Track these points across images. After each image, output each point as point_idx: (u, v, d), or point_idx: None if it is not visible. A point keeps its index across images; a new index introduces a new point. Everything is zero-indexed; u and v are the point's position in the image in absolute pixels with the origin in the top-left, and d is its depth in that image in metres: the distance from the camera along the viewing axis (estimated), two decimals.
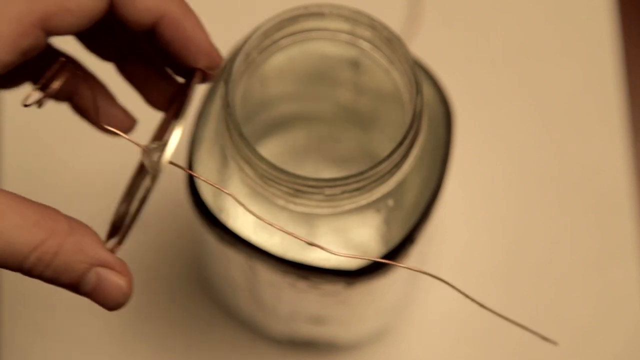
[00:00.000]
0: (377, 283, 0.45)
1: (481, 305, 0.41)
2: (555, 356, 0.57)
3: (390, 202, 0.43)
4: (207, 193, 0.44)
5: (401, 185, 0.41)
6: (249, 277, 0.48)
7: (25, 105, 0.36)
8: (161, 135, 0.41)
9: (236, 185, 0.43)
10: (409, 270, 0.49)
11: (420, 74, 0.41)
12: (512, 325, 0.58)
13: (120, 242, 0.36)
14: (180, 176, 0.50)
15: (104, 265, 0.35)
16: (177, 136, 0.36)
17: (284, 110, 0.50)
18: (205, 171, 0.45)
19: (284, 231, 0.38)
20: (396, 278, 0.47)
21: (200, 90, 0.45)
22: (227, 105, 0.40)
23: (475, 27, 0.64)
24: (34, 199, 0.35)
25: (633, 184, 0.60)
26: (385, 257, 0.43)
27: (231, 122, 0.40)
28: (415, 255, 0.46)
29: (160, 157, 0.35)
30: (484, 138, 0.61)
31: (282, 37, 0.43)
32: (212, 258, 0.51)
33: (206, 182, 0.38)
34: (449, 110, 0.45)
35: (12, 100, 0.60)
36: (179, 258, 0.58)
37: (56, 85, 0.36)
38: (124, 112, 0.43)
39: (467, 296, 0.40)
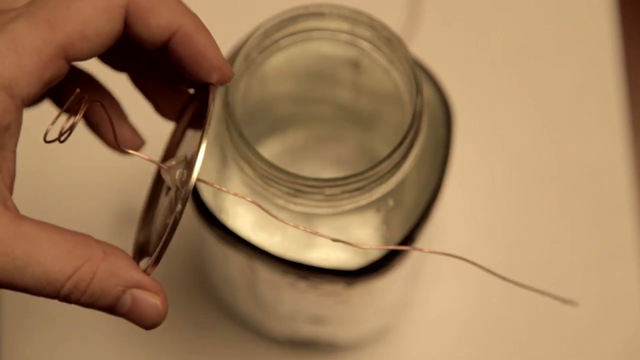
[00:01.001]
0: (377, 283, 0.45)
1: (504, 278, 0.41)
2: (556, 355, 0.57)
3: (390, 202, 0.43)
4: (207, 193, 0.44)
5: (401, 185, 0.41)
6: (249, 277, 0.48)
7: (47, 142, 0.36)
8: (173, 149, 0.41)
9: (236, 185, 0.43)
10: (408, 270, 0.49)
11: (420, 74, 0.41)
12: (512, 325, 0.58)
13: (154, 264, 0.36)
14: None
15: (138, 286, 0.36)
16: (202, 154, 0.36)
17: (284, 110, 0.50)
18: (206, 171, 0.44)
19: (298, 228, 0.38)
20: (396, 278, 0.47)
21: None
22: (227, 105, 0.40)
23: (475, 27, 0.64)
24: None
25: (633, 184, 0.60)
26: (386, 257, 0.43)
27: (231, 122, 0.40)
28: (415, 255, 0.46)
29: (188, 176, 0.36)
30: (484, 138, 0.61)
31: (282, 37, 0.43)
32: (212, 258, 0.51)
33: (235, 194, 0.38)
34: (449, 110, 0.45)
35: None
36: (179, 258, 0.58)
37: (77, 119, 0.36)
38: (134, 131, 0.44)
39: (489, 271, 0.41)
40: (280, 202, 0.41)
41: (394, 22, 0.63)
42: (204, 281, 0.57)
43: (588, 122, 0.62)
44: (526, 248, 0.59)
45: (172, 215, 0.36)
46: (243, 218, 0.44)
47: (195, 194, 0.44)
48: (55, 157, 0.59)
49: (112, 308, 0.36)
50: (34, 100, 0.36)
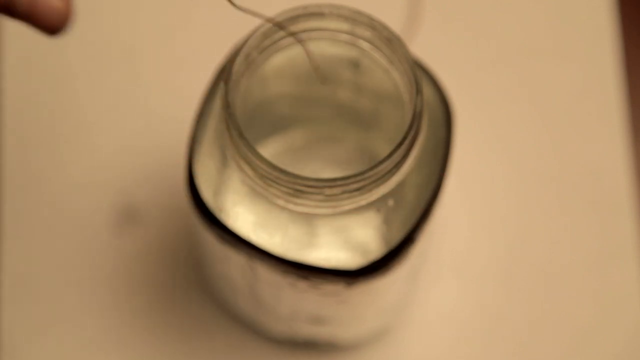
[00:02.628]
0: (377, 283, 0.45)
1: None
2: (556, 355, 0.57)
3: (391, 202, 0.43)
4: (207, 193, 0.44)
5: (401, 185, 0.41)
6: (249, 277, 0.48)
7: None
8: None
9: (236, 185, 0.43)
10: (408, 270, 0.49)
11: (420, 74, 0.41)
12: (512, 325, 0.58)
13: None
14: (180, 175, 0.50)
15: None
16: None
17: (284, 110, 0.50)
18: (205, 171, 0.45)
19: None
20: (396, 278, 0.47)
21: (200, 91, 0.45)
22: (227, 106, 0.40)
23: (475, 27, 0.64)
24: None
25: (633, 184, 0.60)
26: (386, 257, 0.43)
27: (231, 122, 0.40)
28: (415, 255, 0.46)
29: None
30: (484, 138, 0.61)
31: (282, 37, 0.43)
32: (212, 258, 0.51)
33: None
34: (449, 110, 0.45)
35: (13, 98, 0.60)
36: (179, 258, 0.58)
37: None
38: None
39: None
40: (280, 202, 0.41)
41: (394, 22, 0.63)
42: (204, 281, 0.57)
43: (588, 122, 0.62)
44: (526, 248, 0.59)
45: None
46: (243, 218, 0.44)
47: (195, 193, 0.44)
48: (55, 156, 0.59)
49: (7, 6, 0.31)
50: None
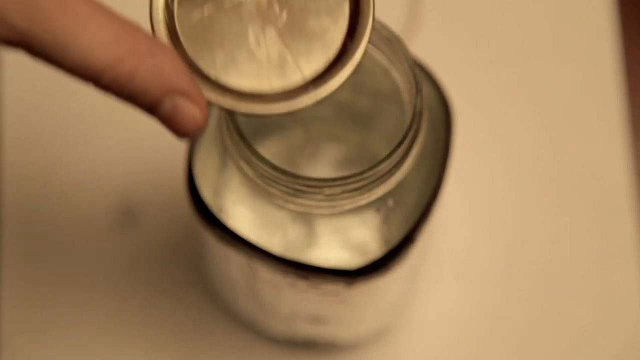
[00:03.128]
0: (377, 283, 0.45)
1: None
2: (555, 356, 0.57)
3: (391, 202, 0.43)
4: (207, 193, 0.44)
5: (401, 185, 0.41)
6: (249, 277, 0.48)
7: None
8: None
9: (236, 185, 0.43)
10: (408, 270, 0.49)
11: (420, 74, 0.41)
12: (512, 325, 0.58)
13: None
14: (180, 175, 0.50)
15: (181, 93, 0.34)
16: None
17: None
18: (205, 171, 0.45)
19: None
20: (396, 278, 0.47)
21: None
22: None
23: (475, 27, 0.64)
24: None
25: (633, 184, 0.60)
26: (386, 257, 0.43)
27: (231, 122, 0.40)
28: (415, 255, 0.46)
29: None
30: (484, 138, 0.61)
31: None
32: (212, 258, 0.51)
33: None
34: (449, 110, 0.45)
35: (13, 99, 0.60)
36: (179, 258, 0.58)
37: None
38: None
39: None
40: (280, 202, 0.41)
41: (394, 22, 0.63)
42: (204, 281, 0.57)
43: (588, 122, 0.62)
44: (526, 248, 0.59)
45: None
46: (243, 218, 0.44)
47: (195, 193, 0.44)
48: (55, 156, 0.59)
49: (150, 109, 0.34)
50: None
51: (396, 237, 0.44)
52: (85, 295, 0.57)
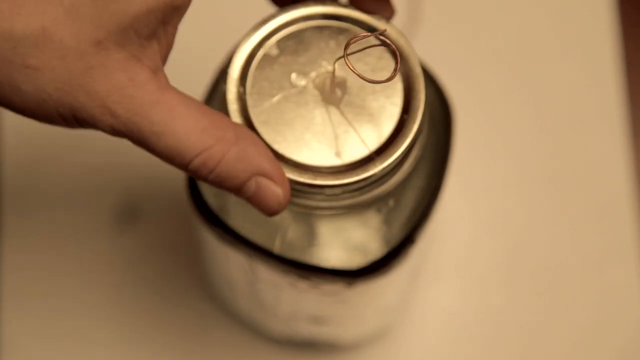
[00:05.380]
0: (377, 283, 0.45)
1: None
2: (556, 355, 0.57)
3: (391, 202, 0.43)
4: (207, 193, 0.44)
5: (401, 185, 0.41)
6: (249, 277, 0.48)
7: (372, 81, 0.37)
8: None
9: None
10: (408, 270, 0.49)
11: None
12: (512, 325, 0.58)
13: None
14: (180, 175, 0.50)
15: (264, 175, 0.36)
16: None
17: None
18: None
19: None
20: (396, 278, 0.47)
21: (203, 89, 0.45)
22: (226, 105, 0.40)
23: (476, 27, 0.64)
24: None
25: (633, 184, 0.60)
26: (386, 257, 0.43)
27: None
28: (415, 255, 0.46)
29: None
30: (484, 138, 0.61)
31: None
32: (212, 258, 0.51)
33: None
34: (449, 110, 0.45)
35: None
36: (179, 257, 0.58)
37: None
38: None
39: None
40: None
41: (394, 22, 0.63)
42: (204, 281, 0.57)
43: (588, 122, 0.62)
44: (526, 248, 0.59)
45: None
46: (243, 218, 0.44)
47: (196, 193, 0.44)
48: (56, 156, 0.60)
49: (236, 190, 0.37)
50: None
51: (396, 237, 0.44)
52: (85, 295, 0.57)
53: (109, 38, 0.34)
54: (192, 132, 0.35)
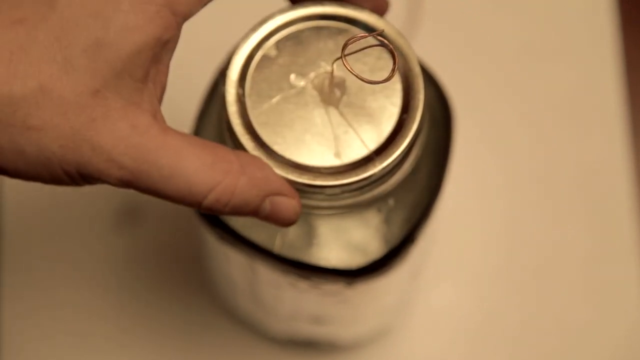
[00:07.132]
0: (377, 283, 0.45)
1: None
2: (555, 355, 0.57)
3: (391, 202, 0.43)
4: None
5: (401, 184, 0.41)
6: (249, 277, 0.48)
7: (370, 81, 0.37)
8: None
9: None
10: (408, 270, 0.49)
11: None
12: (511, 325, 0.58)
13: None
14: None
15: (276, 194, 0.37)
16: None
17: None
18: None
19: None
20: (396, 278, 0.47)
21: (202, 90, 0.45)
22: (226, 105, 0.40)
23: (476, 27, 0.64)
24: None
25: (633, 184, 0.60)
26: (386, 257, 0.43)
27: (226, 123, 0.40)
28: (415, 255, 0.46)
29: None
30: (484, 138, 0.61)
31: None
32: (212, 258, 0.51)
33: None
34: (449, 110, 0.45)
35: None
36: (179, 257, 0.58)
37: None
38: None
39: None
40: None
41: (394, 22, 0.63)
42: (204, 281, 0.57)
43: (588, 123, 0.62)
44: (526, 247, 0.59)
45: None
46: (243, 217, 0.44)
47: None
48: None
49: (253, 214, 0.37)
50: (191, 16, 0.37)
51: (396, 237, 0.44)
52: (85, 295, 0.57)
53: (105, 86, 0.34)
54: (200, 171, 0.35)
